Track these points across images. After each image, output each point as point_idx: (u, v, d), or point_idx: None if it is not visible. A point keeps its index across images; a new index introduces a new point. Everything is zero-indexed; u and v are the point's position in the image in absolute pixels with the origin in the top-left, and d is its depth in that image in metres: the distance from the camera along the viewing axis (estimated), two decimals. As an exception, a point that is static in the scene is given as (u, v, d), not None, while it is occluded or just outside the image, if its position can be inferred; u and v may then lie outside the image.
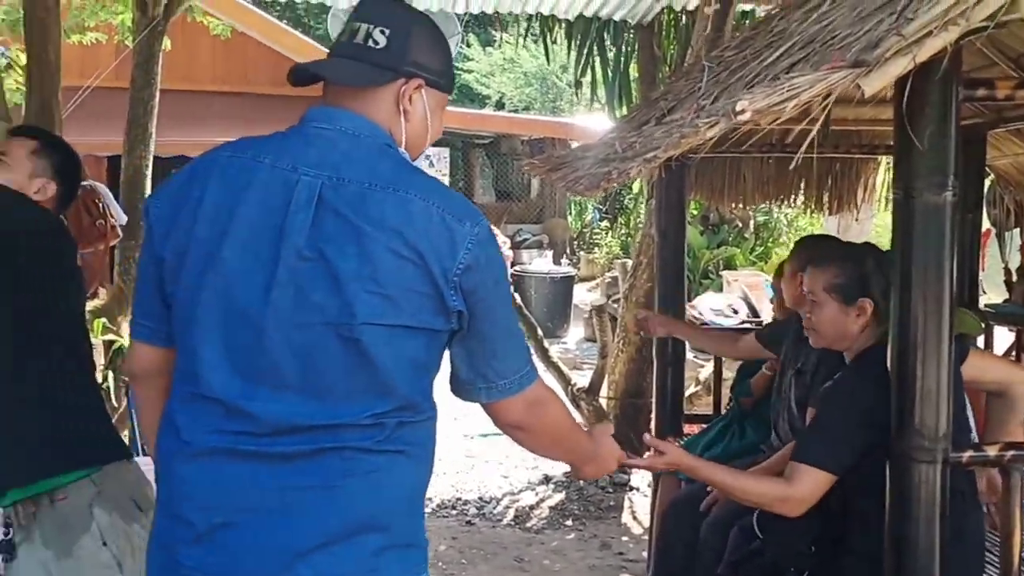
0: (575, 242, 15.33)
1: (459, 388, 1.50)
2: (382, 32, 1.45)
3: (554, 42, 5.71)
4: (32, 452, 2.21)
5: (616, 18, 5.44)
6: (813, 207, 4.66)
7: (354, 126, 1.45)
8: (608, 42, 5.69)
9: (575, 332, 10.67)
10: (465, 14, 5.17)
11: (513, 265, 11.00)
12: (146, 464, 2.40)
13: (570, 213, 15.74)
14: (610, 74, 5.64)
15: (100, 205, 3.98)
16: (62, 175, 2.50)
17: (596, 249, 14.77)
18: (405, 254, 1.35)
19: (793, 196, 4.63)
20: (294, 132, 1.47)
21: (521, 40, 9.52)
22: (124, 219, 4.30)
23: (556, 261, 11.44)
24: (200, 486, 1.39)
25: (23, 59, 5.56)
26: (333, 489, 1.37)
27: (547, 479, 5.51)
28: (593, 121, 15.01)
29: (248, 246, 1.38)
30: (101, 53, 7.28)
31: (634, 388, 5.62)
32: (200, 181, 1.42)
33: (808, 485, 2.22)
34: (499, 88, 18.59)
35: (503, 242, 10.88)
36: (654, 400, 4.27)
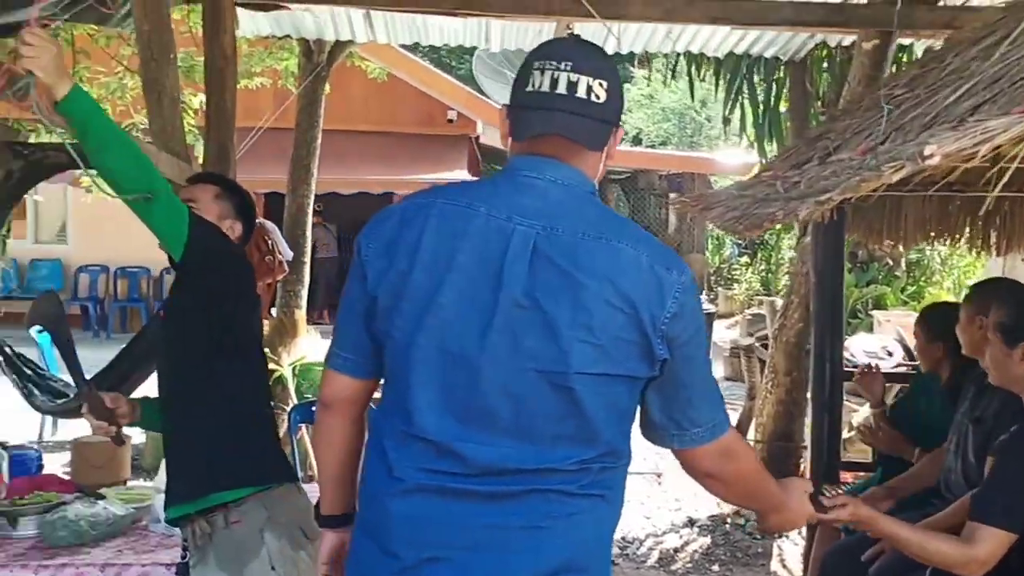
0: (712, 278, 15.08)
1: (651, 432, 1.53)
2: (601, 86, 1.48)
3: (701, 79, 5.67)
4: (205, 470, 2.34)
5: (767, 55, 5.38)
6: (979, 247, 4.44)
7: (563, 176, 1.49)
8: (757, 78, 5.62)
9: (716, 371, 10.44)
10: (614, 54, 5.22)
11: (651, 301, 10.88)
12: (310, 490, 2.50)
13: (708, 248, 15.51)
14: (760, 110, 5.57)
15: (269, 242, 4.18)
16: (243, 215, 2.66)
17: (735, 285, 14.48)
18: (617, 304, 1.40)
19: (958, 236, 4.43)
20: (504, 181, 1.51)
21: (663, 76, 9.60)
22: (290, 255, 4.51)
23: (695, 298, 11.24)
24: (409, 522, 1.44)
25: (194, 102, 5.97)
26: (538, 530, 1.41)
27: (691, 522, 5.41)
28: (732, 156, 14.85)
29: (465, 293, 1.42)
30: (261, 96, 7.69)
31: (783, 431, 5.47)
32: (415, 225, 1.47)
33: (990, 546, 2.16)
34: (636, 124, 18.58)
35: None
36: (809, 446, 4.15)
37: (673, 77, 6.54)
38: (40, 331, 7.22)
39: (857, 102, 3.89)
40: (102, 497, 3.09)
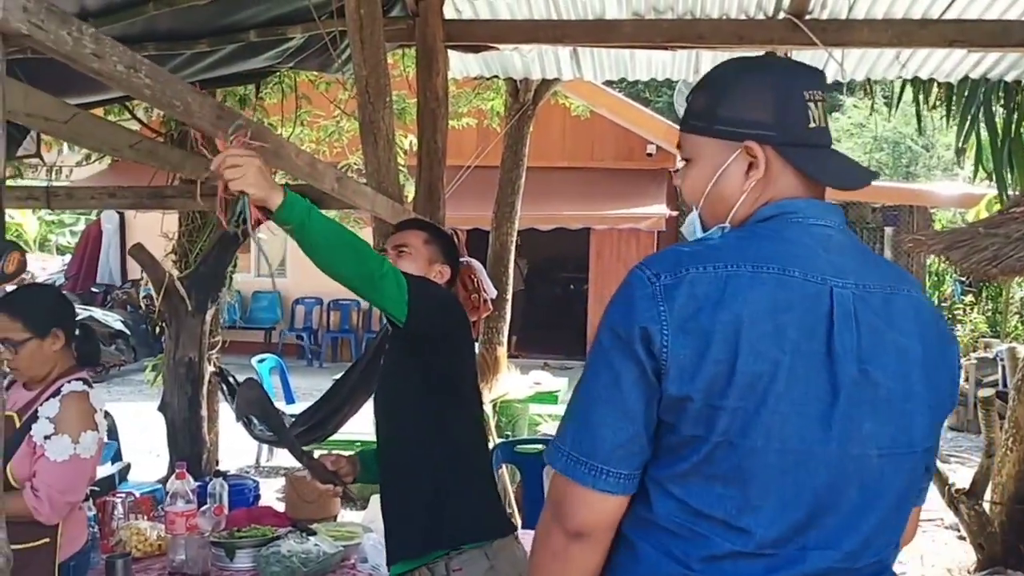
0: (932, 318, 14.03)
1: None
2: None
3: (933, 107, 5.24)
4: (428, 525, 2.30)
5: (1008, 79, 4.90)
6: None
7: (840, 220, 1.34)
8: (995, 104, 5.13)
9: (938, 419, 9.65)
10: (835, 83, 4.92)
11: (865, 342, 10.22)
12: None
13: (927, 285, 14.47)
14: (999, 138, 5.07)
15: (475, 280, 4.19)
16: (450, 259, 2.66)
17: (958, 326, 13.41)
18: (942, 366, 1.32)
19: None
20: (801, 233, 1.30)
21: (878, 103, 9.00)
22: (494, 293, 4.51)
23: (915, 339, 10.45)
24: None
25: (404, 143, 6.15)
26: None
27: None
28: (951, 188, 13.82)
29: (800, 376, 1.21)
30: (465, 135, 7.85)
31: (1026, 494, 4.91)
32: (725, 304, 1.21)
33: None
34: (847, 153, 17.72)
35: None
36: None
37: (895, 105, 6.08)
38: (260, 361, 7.67)
39: None
40: (313, 533, 3.15)
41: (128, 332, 11.00)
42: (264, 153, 2.32)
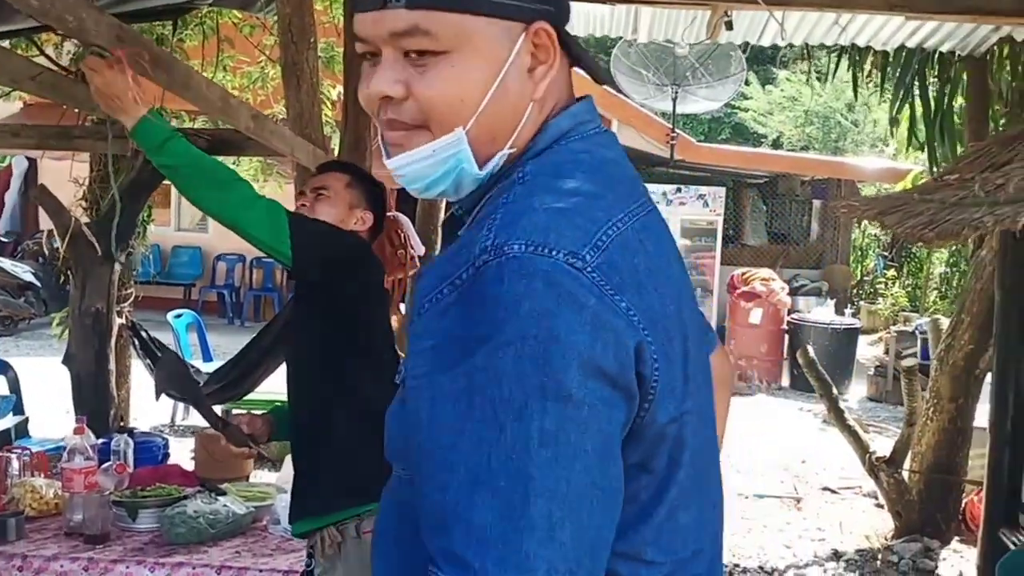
0: (854, 291, 14.31)
1: None
2: None
3: (868, 77, 5.22)
4: (338, 483, 2.19)
5: (944, 49, 4.90)
6: None
7: None
8: (930, 75, 5.13)
9: (857, 390, 9.87)
10: (746, 49, 4.86)
11: (790, 313, 10.35)
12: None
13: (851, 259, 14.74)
14: (932, 110, 5.08)
15: (402, 235, 4.04)
16: (374, 205, 2.52)
17: (879, 300, 13.69)
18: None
19: None
20: (609, 148, 1.00)
21: (811, 76, 9.05)
22: (422, 250, 4.36)
23: (839, 311, 10.62)
24: None
25: (332, 94, 5.91)
26: None
27: (837, 555, 4.99)
28: (877, 163, 14.03)
29: (696, 357, 0.96)
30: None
31: (944, 463, 4.98)
32: (661, 270, 0.93)
33: None
34: (777, 127, 17.88)
35: (780, 287, 10.27)
36: (986, 483, 3.71)
37: (831, 76, 6.05)
38: (177, 317, 7.39)
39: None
40: (223, 493, 2.99)
41: (39, 284, 10.54)
42: (166, 77, 2.14)
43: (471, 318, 0.82)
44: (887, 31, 4.69)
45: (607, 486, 0.83)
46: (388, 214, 3.99)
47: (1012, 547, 3.23)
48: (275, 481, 3.35)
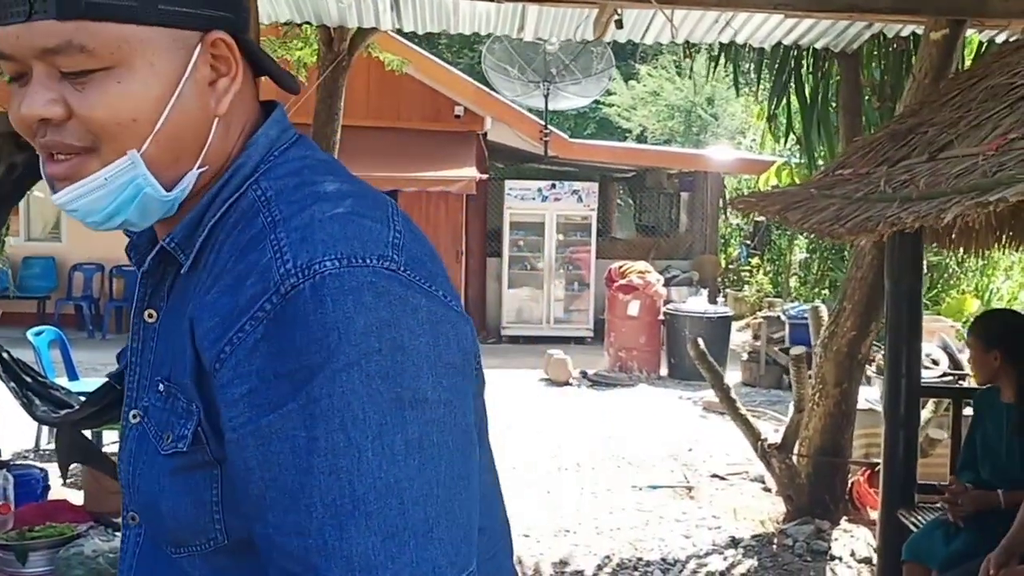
0: (720, 279, 14.80)
1: None
2: None
3: (745, 72, 5.36)
4: None
5: (818, 46, 5.08)
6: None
7: None
8: (804, 71, 5.31)
9: (731, 376, 10.16)
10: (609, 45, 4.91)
11: (666, 303, 10.59)
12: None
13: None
14: (808, 105, 5.26)
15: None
16: None
17: (745, 287, 14.20)
18: None
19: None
20: (311, 142, 0.99)
21: (679, 71, 9.31)
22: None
23: (712, 300, 10.94)
24: None
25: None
26: None
27: (735, 542, 5.10)
28: (732, 154, 14.54)
29: None
30: (268, 89, 7.36)
31: (830, 446, 5.16)
32: (435, 261, 0.91)
33: None
34: (641, 121, 18.30)
35: (656, 279, 10.50)
36: (882, 467, 3.85)
37: (711, 72, 6.19)
38: (38, 334, 6.91)
39: (938, 95, 3.59)
40: (119, 528, 2.77)
41: None
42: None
43: (292, 349, 0.77)
44: (765, 29, 4.81)
45: (470, 472, 0.83)
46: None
47: (913, 528, 3.36)
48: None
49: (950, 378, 5.83)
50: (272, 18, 5.05)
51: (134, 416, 0.93)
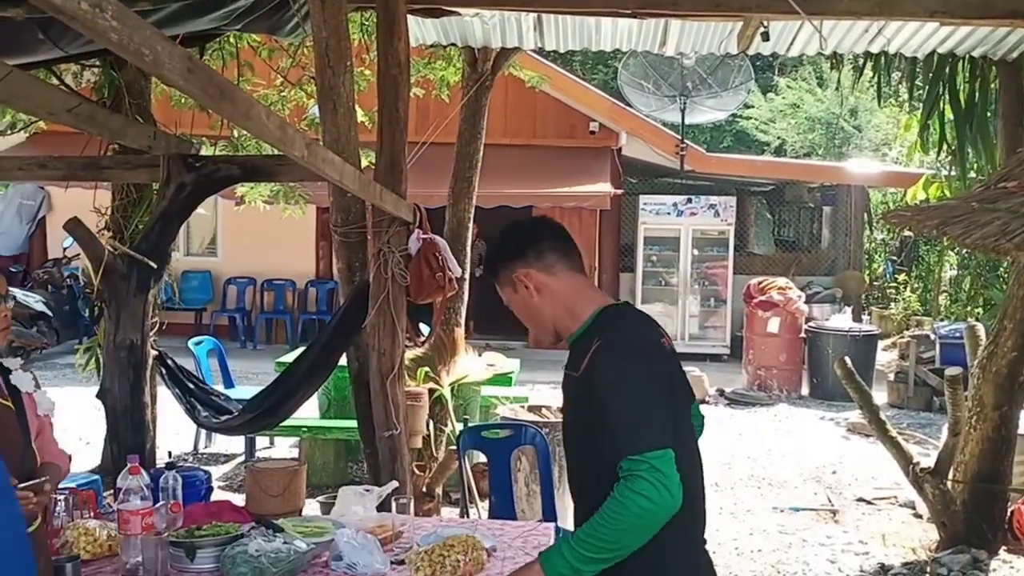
0: (865, 296, 14.27)
1: None
2: None
3: (898, 83, 5.18)
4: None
5: (975, 54, 4.86)
6: None
7: None
8: (960, 81, 5.09)
9: (878, 397, 9.75)
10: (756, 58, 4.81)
11: (807, 321, 10.29)
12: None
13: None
14: (963, 115, 5.03)
15: (440, 258, 3.97)
16: None
17: (891, 305, 13.65)
18: None
19: None
20: None
21: (811, 83, 9.03)
22: (459, 271, 4.29)
23: (856, 317, 10.55)
24: None
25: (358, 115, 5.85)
26: None
27: (884, 569, 4.90)
28: (878, 167, 13.94)
29: None
30: (414, 108, 7.57)
31: (988, 471, 4.91)
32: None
33: None
34: (779, 134, 17.87)
35: (798, 296, 10.19)
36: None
37: (855, 82, 6.00)
38: (197, 343, 7.32)
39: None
40: (280, 530, 2.91)
41: (50, 314, 10.44)
42: (230, 108, 2.05)
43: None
44: (919, 37, 4.64)
45: None
46: (426, 236, 3.94)
47: None
48: (331, 516, 3.27)
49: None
50: (420, 40, 5.21)
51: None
